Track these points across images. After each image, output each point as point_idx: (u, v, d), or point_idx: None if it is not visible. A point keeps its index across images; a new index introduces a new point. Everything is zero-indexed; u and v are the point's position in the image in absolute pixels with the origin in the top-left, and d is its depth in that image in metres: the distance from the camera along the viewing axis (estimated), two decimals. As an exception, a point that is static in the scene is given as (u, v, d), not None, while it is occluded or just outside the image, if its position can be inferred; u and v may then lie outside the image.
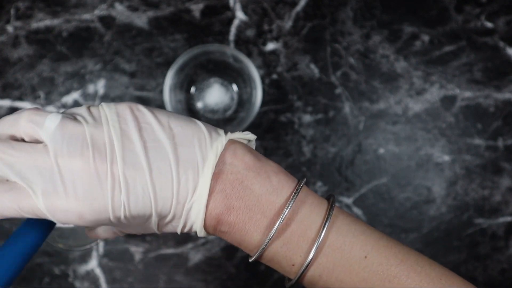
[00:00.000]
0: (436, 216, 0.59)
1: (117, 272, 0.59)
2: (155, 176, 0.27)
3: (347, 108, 0.59)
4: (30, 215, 0.27)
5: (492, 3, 0.59)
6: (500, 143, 0.59)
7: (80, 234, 0.50)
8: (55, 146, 0.27)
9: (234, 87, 0.59)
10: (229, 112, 0.59)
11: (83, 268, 0.58)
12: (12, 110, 0.58)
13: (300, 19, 0.59)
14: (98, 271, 0.58)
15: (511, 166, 0.59)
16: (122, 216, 0.27)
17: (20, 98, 0.59)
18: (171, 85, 0.55)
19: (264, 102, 0.58)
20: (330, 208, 0.29)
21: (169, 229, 0.30)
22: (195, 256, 0.59)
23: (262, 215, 0.29)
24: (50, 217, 0.27)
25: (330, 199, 0.31)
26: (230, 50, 0.55)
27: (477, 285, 0.59)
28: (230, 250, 0.59)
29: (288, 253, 0.29)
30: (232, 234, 0.29)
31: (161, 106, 0.58)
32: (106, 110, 0.28)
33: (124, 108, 0.28)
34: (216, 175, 0.28)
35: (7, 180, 0.28)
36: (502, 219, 0.59)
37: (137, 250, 0.58)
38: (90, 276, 0.58)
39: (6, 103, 0.59)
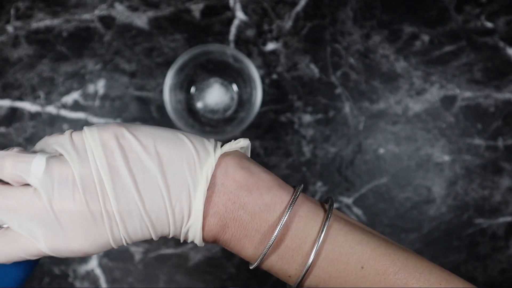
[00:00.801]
0: (436, 216, 0.59)
1: (117, 272, 0.59)
2: (149, 208, 0.27)
3: (347, 108, 0.59)
4: (37, 257, 0.28)
5: (492, 3, 0.59)
6: (500, 143, 0.59)
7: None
8: (47, 193, 0.27)
9: (234, 87, 0.59)
10: (229, 112, 0.58)
11: (83, 268, 0.58)
12: (12, 110, 0.58)
13: (300, 19, 0.59)
14: (98, 271, 0.58)
15: (511, 166, 0.59)
16: (125, 244, 0.29)
17: (20, 98, 0.59)
18: (171, 85, 0.55)
19: (264, 102, 0.58)
20: (326, 218, 0.29)
21: (171, 238, 0.31)
22: (195, 256, 0.59)
23: (256, 232, 0.29)
24: (57, 256, 0.28)
25: (328, 202, 0.31)
26: (230, 50, 0.55)
27: (477, 285, 0.59)
28: (230, 250, 0.59)
29: (283, 266, 0.29)
30: (229, 247, 0.30)
31: (161, 106, 0.58)
32: (91, 141, 0.28)
33: (109, 138, 0.28)
34: (208, 199, 0.28)
35: (6, 227, 0.28)
36: (502, 219, 0.59)
37: (137, 250, 0.58)
38: (90, 276, 0.58)
39: (6, 103, 0.59)
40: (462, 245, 0.59)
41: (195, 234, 0.29)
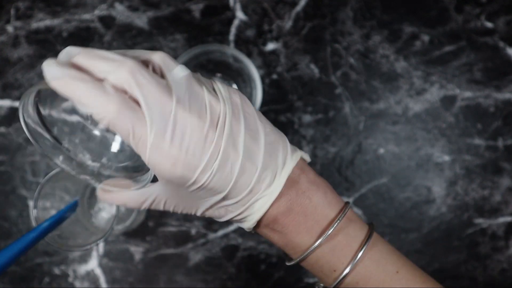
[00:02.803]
0: (436, 216, 0.59)
1: (117, 272, 0.59)
2: (245, 162, 0.30)
3: (347, 108, 0.59)
4: (132, 143, 0.29)
5: (492, 3, 0.59)
6: (500, 143, 0.59)
7: (80, 235, 0.51)
8: (179, 95, 0.28)
9: (234, 87, 0.59)
10: None
11: (83, 268, 0.58)
12: (12, 110, 0.58)
13: (300, 19, 0.59)
14: (98, 271, 0.58)
15: (511, 166, 0.59)
16: (202, 183, 0.30)
17: (20, 98, 0.59)
18: None
19: (264, 102, 0.58)
20: (372, 228, 0.34)
21: (215, 214, 0.33)
22: (195, 256, 0.59)
23: (315, 222, 0.33)
24: (147, 155, 0.28)
25: (370, 224, 0.35)
26: (230, 50, 0.55)
27: (477, 285, 0.59)
28: (230, 250, 0.59)
29: (332, 259, 0.33)
30: (283, 233, 0.33)
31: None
32: (220, 87, 0.31)
33: (234, 94, 0.31)
34: (287, 182, 0.32)
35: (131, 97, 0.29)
36: (502, 219, 0.59)
37: (137, 250, 0.58)
38: (90, 276, 0.58)
39: (6, 103, 0.59)
40: (462, 245, 0.59)
41: (261, 207, 0.32)
